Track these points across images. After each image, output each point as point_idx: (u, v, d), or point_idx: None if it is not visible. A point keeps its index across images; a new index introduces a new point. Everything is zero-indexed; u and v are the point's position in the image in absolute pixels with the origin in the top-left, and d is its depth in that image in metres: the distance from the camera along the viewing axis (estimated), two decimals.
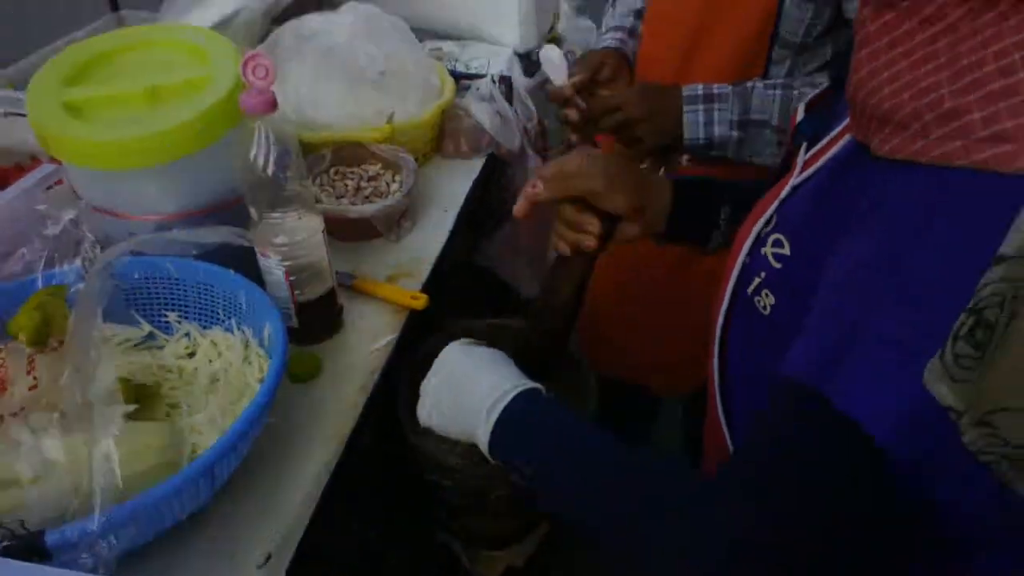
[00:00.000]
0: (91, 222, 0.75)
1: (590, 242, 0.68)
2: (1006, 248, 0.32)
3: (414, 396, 0.70)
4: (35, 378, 0.60)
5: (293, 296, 0.77)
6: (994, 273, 0.33)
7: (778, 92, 0.92)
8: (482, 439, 0.60)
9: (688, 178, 0.73)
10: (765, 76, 0.95)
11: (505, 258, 1.42)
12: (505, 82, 1.29)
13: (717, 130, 0.94)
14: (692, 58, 0.98)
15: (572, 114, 0.99)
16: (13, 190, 0.82)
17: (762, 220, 0.54)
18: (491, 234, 1.39)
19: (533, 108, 1.31)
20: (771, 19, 0.90)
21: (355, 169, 1.06)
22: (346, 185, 1.03)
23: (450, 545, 1.01)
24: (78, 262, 0.71)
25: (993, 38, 0.34)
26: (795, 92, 0.92)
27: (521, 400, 0.60)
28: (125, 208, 0.75)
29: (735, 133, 0.94)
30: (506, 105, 1.23)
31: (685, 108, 0.94)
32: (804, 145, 0.53)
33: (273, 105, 0.67)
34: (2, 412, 0.59)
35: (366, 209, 0.95)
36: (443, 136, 1.18)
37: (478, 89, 1.22)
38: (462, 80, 1.26)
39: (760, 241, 0.54)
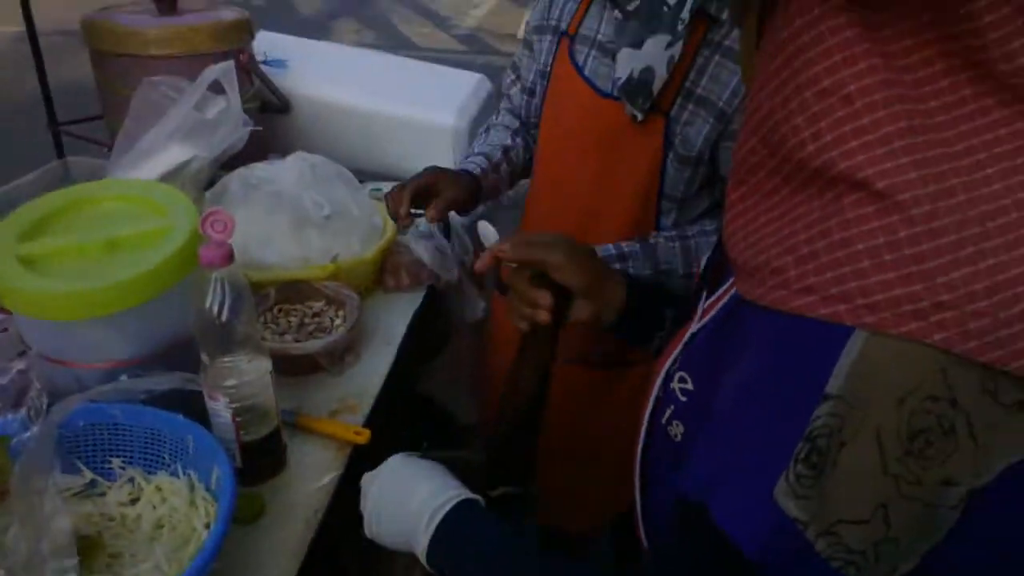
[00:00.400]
0: (39, 369, 0.77)
1: (543, 316, 0.74)
2: (831, 388, 0.40)
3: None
4: None
5: (238, 437, 0.78)
6: (823, 408, 0.40)
7: (677, 243, 1.04)
8: (421, 548, 0.62)
9: (641, 279, 0.80)
10: (657, 226, 1.07)
11: (444, 386, 1.46)
12: (443, 220, 1.38)
13: None
14: (591, 213, 1.09)
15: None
16: None
17: (671, 359, 0.62)
18: (431, 362, 1.44)
19: (470, 242, 1.40)
20: (656, 178, 1.02)
21: (298, 306, 1.10)
22: (290, 322, 1.07)
23: None
24: (23, 411, 0.72)
25: (803, 214, 0.44)
26: (691, 241, 1.04)
27: (460, 511, 0.62)
28: (77, 356, 0.76)
29: None
30: (444, 241, 1.31)
31: None
32: (704, 294, 0.62)
33: (230, 257, 0.71)
34: None
35: (310, 346, 0.99)
36: (384, 270, 1.24)
37: (418, 227, 1.30)
38: None
39: (669, 377, 0.61)
